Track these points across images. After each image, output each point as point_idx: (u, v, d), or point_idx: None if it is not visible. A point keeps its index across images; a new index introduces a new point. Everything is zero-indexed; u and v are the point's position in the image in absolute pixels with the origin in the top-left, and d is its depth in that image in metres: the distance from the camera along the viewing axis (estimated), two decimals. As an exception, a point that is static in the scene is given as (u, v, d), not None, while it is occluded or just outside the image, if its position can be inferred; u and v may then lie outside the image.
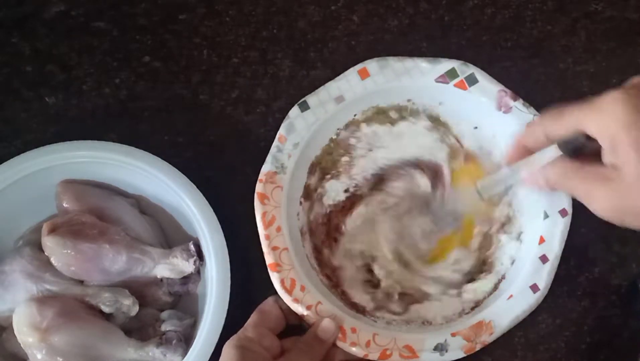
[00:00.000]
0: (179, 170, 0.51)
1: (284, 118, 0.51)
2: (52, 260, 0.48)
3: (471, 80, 0.50)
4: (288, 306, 0.47)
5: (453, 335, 0.47)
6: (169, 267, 0.50)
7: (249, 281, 0.53)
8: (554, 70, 0.57)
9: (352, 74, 0.51)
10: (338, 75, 0.51)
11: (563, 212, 0.49)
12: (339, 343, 0.47)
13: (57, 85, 0.57)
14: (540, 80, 0.57)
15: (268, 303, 0.48)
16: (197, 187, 0.50)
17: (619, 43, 0.58)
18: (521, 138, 0.42)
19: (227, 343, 0.44)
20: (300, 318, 0.48)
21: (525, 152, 0.42)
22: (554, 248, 0.48)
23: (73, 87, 0.57)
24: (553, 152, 0.40)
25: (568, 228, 0.49)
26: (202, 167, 0.55)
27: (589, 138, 0.37)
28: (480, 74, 0.50)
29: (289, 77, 0.57)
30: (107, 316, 0.49)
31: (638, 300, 0.53)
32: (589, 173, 0.36)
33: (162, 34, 0.58)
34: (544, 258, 0.48)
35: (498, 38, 0.58)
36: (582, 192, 0.37)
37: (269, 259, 0.48)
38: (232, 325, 0.48)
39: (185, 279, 0.52)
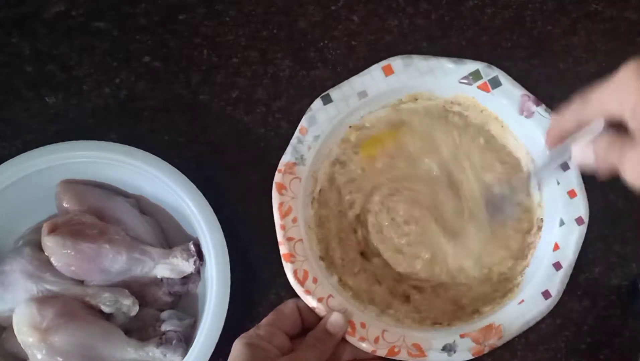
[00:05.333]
0: (179, 170, 0.51)
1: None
2: (52, 260, 0.48)
3: (495, 83, 0.51)
4: (307, 309, 0.47)
5: (462, 336, 0.47)
6: (169, 266, 0.50)
7: (249, 281, 0.53)
8: (554, 70, 0.57)
9: (376, 69, 0.51)
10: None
11: (579, 220, 0.49)
12: (348, 338, 0.47)
13: (57, 85, 0.57)
14: (541, 80, 0.57)
15: (287, 305, 0.47)
16: (197, 187, 0.50)
17: (619, 43, 0.58)
18: (557, 123, 0.42)
19: (237, 339, 0.44)
20: (318, 321, 0.47)
21: (564, 135, 0.41)
22: (568, 255, 0.48)
23: (73, 87, 0.57)
24: (598, 127, 0.38)
25: (583, 237, 0.49)
26: (202, 167, 0.55)
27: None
28: (504, 77, 0.51)
29: (289, 77, 0.57)
30: (107, 316, 0.49)
31: (638, 300, 0.53)
32: (622, 144, 0.36)
33: (162, 34, 0.58)
34: (557, 265, 0.48)
35: (498, 38, 0.58)
36: (618, 163, 0.36)
37: (283, 249, 0.48)
38: (232, 325, 0.48)
39: (185, 279, 0.52)
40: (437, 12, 0.59)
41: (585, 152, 0.39)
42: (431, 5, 0.59)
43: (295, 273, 0.47)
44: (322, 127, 0.50)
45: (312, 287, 0.47)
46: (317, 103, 0.51)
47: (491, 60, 0.52)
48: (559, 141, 0.42)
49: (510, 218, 0.51)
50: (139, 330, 0.50)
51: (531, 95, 0.50)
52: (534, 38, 0.58)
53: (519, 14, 0.59)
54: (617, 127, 0.38)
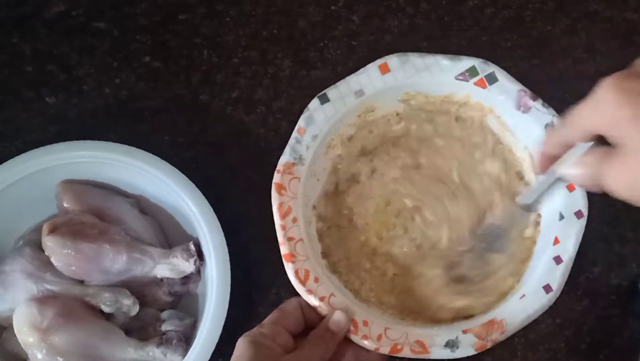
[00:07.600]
0: (179, 170, 0.51)
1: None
2: (53, 260, 0.48)
3: (491, 79, 0.51)
4: (310, 307, 0.47)
5: (464, 332, 0.47)
6: (169, 266, 0.50)
7: (249, 281, 0.53)
8: (553, 70, 0.57)
9: (372, 68, 0.51)
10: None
11: (579, 214, 0.49)
12: (351, 336, 0.47)
13: (58, 85, 0.57)
14: (540, 80, 0.57)
15: (290, 303, 0.47)
16: (197, 187, 0.50)
17: (619, 43, 0.58)
18: (544, 149, 0.41)
19: (241, 337, 0.44)
20: (321, 319, 0.47)
21: (552, 159, 0.41)
22: (569, 249, 0.48)
23: (73, 87, 0.57)
24: (584, 146, 0.38)
25: (583, 230, 0.49)
26: (202, 167, 0.55)
27: None
28: (500, 73, 0.51)
29: (289, 77, 0.57)
30: (108, 316, 0.49)
31: (638, 300, 0.53)
32: (606, 156, 0.36)
33: (162, 34, 0.58)
34: (557, 259, 0.48)
35: (498, 38, 0.58)
36: (602, 176, 0.36)
37: (284, 249, 0.48)
38: (232, 325, 0.48)
39: (186, 279, 0.52)
40: (437, 12, 0.59)
41: (573, 173, 0.39)
42: (431, 5, 0.59)
43: (296, 273, 0.47)
44: (320, 127, 0.50)
45: (313, 286, 0.47)
46: (315, 103, 0.51)
47: (491, 60, 0.52)
48: (549, 163, 0.41)
49: (503, 251, 0.51)
50: (139, 329, 0.50)
51: (528, 91, 0.50)
52: (533, 38, 0.58)
53: (518, 14, 0.59)
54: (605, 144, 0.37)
